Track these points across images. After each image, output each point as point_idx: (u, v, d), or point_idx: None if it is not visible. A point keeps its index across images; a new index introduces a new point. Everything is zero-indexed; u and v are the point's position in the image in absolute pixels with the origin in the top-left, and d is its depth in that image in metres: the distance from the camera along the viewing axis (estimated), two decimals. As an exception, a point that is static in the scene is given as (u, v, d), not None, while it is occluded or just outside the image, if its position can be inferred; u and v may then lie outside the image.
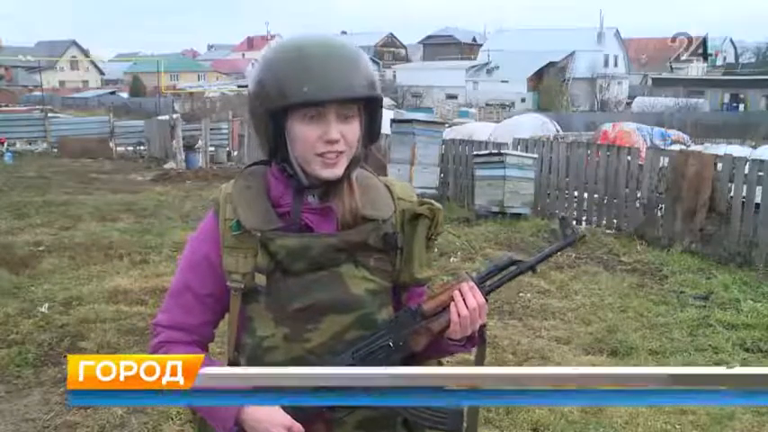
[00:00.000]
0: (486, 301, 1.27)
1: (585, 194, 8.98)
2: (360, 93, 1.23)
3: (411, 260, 1.33)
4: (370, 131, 1.32)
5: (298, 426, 1.22)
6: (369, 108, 1.30)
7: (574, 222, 8.77)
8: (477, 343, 1.32)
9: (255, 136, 1.36)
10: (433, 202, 1.36)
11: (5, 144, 18.57)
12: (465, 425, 1.33)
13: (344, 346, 1.26)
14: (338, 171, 1.26)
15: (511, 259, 1.31)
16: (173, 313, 1.36)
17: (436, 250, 7.17)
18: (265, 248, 1.26)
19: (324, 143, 1.23)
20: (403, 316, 1.29)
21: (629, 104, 40.36)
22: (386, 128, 10.92)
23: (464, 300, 1.25)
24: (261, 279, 1.26)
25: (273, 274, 1.27)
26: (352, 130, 1.26)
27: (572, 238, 1.32)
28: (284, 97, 1.21)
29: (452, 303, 1.26)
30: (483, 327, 1.30)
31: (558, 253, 1.36)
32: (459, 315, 1.25)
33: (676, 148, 11.06)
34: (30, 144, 20.32)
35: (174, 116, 18.66)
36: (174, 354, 1.30)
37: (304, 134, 1.24)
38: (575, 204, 9.14)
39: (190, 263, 1.36)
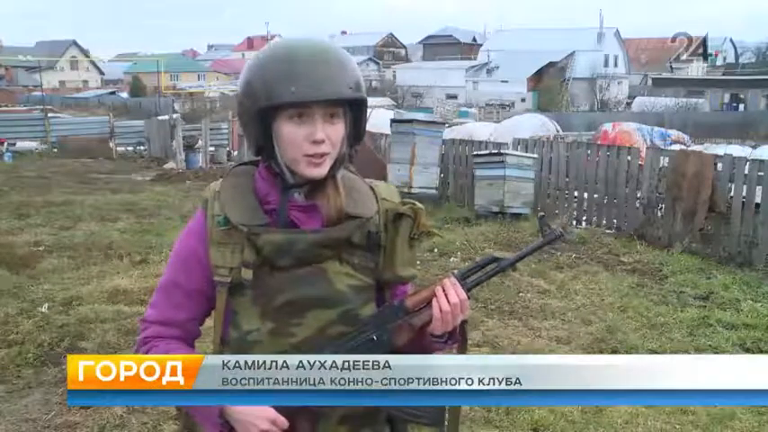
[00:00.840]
0: (468, 297, 1.30)
1: (585, 194, 8.98)
2: (346, 94, 1.26)
3: (394, 258, 1.36)
4: (355, 132, 1.36)
5: (282, 419, 1.24)
6: (354, 109, 1.33)
7: (575, 222, 8.78)
8: (458, 340, 1.35)
9: (243, 135, 1.38)
10: (415, 202, 1.39)
11: (5, 144, 18.56)
12: (446, 420, 1.35)
13: (328, 341, 1.29)
14: (323, 170, 1.30)
15: (492, 257, 1.35)
16: (160, 308, 1.38)
17: (435, 250, 7.17)
18: (251, 243, 1.29)
19: (310, 144, 1.26)
20: (386, 311, 1.32)
21: (629, 104, 40.34)
22: (386, 128, 10.94)
23: (446, 295, 1.28)
24: (247, 273, 1.29)
25: (260, 269, 1.30)
26: (337, 131, 1.29)
27: (550, 237, 1.36)
28: (272, 97, 1.24)
29: (434, 299, 1.29)
30: (464, 323, 1.33)
31: (541, 250, 1.40)
32: (441, 310, 1.28)
33: (676, 148, 11.06)
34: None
35: (174, 116, 18.67)
36: (159, 349, 1.33)
37: (290, 134, 1.27)
38: (575, 204, 9.14)
39: (178, 258, 1.39)
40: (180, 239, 1.40)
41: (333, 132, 1.28)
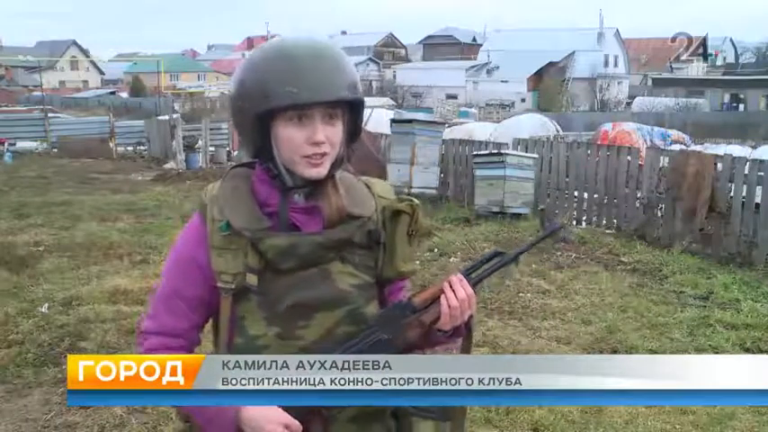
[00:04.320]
0: (475, 292, 1.32)
1: (585, 194, 8.98)
2: (346, 95, 1.26)
3: (393, 255, 1.36)
4: (352, 132, 1.36)
5: (296, 423, 1.23)
6: (351, 109, 1.33)
7: (575, 222, 8.78)
8: (463, 334, 1.36)
9: (238, 136, 1.38)
10: (412, 199, 1.40)
11: (6, 144, 18.53)
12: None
13: (336, 342, 1.28)
14: (323, 171, 1.29)
15: (495, 251, 1.37)
16: (159, 319, 1.35)
17: (435, 250, 7.17)
18: (255, 248, 1.27)
19: (310, 145, 1.26)
20: (393, 310, 1.32)
21: (629, 104, 40.32)
22: (386, 128, 10.94)
23: (453, 291, 1.29)
24: (252, 279, 1.28)
25: (264, 274, 1.29)
26: (336, 132, 1.29)
27: (551, 229, 1.38)
28: (270, 99, 1.23)
29: (442, 295, 1.30)
30: (470, 318, 1.34)
31: (543, 250, 1.40)
32: (449, 306, 1.29)
33: (676, 148, 11.06)
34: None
35: (174, 116, 18.62)
36: None
37: (290, 136, 1.26)
38: (575, 204, 9.14)
39: (177, 266, 1.36)
40: (177, 246, 1.37)
41: (332, 133, 1.28)
